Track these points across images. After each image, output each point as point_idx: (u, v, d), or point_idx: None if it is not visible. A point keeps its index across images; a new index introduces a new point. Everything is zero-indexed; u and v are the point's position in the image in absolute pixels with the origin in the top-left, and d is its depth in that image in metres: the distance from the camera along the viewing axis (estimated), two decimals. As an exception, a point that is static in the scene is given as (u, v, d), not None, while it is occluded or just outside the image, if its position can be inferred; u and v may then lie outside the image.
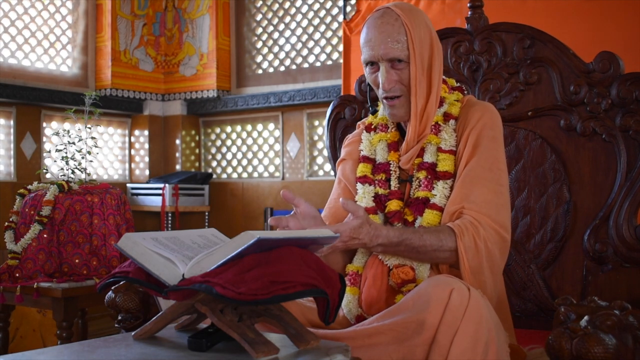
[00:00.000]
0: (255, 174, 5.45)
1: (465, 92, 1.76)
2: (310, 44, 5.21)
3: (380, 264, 1.62)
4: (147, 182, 5.47)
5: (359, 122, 1.88)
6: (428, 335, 1.30)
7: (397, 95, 1.63)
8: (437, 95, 1.66)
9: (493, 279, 1.55)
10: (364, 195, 1.71)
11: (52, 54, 5.13)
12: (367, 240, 1.48)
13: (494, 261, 1.54)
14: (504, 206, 1.59)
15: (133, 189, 5.39)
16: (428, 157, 1.65)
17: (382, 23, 1.60)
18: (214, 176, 5.64)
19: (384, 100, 1.66)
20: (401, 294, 1.56)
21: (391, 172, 1.71)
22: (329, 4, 5.10)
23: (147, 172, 5.66)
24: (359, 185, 1.74)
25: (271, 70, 5.41)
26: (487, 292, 1.51)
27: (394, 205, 1.67)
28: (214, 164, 5.71)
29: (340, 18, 4.75)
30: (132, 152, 5.67)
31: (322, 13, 5.14)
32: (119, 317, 1.74)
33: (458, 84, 1.77)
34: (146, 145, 5.66)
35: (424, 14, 1.67)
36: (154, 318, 1.24)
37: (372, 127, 1.78)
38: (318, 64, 5.15)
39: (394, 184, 1.70)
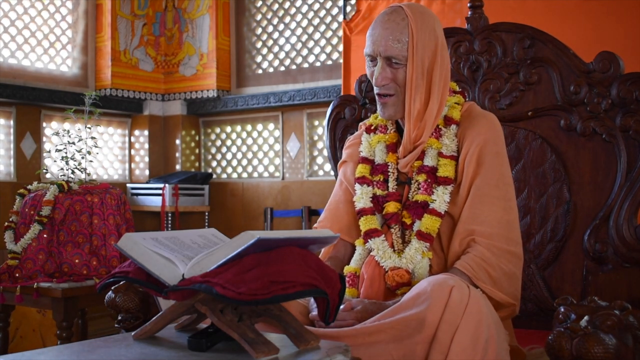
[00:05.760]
0: (255, 174, 5.45)
1: (467, 98, 1.75)
2: (310, 44, 5.20)
3: (377, 265, 1.62)
4: (147, 182, 5.47)
5: (360, 124, 1.88)
6: (428, 332, 1.30)
7: (389, 93, 1.62)
8: (439, 102, 1.63)
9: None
10: (362, 196, 1.71)
11: (52, 54, 5.13)
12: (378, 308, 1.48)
13: (514, 279, 1.56)
14: (514, 221, 1.59)
15: (133, 189, 5.39)
16: (428, 161, 1.65)
17: (387, 20, 1.60)
18: (214, 176, 5.63)
19: (377, 97, 1.65)
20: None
21: (389, 173, 1.71)
22: (329, 4, 5.10)
23: (147, 172, 5.65)
24: (357, 186, 1.73)
25: (271, 70, 5.41)
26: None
27: (391, 207, 1.67)
28: (214, 164, 5.70)
29: (340, 18, 4.75)
30: (132, 152, 5.67)
31: (322, 13, 5.14)
32: (119, 317, 1.74)
33: (460, 89, 1.76)
34: (146, 145, 5.66)
35: (435, 20, 1.64)
36: (154, 318, 1.24)
37: (372, 128, 1.78)
38: (318, 64, 5.15)
39: (391, 185, 1.70)
